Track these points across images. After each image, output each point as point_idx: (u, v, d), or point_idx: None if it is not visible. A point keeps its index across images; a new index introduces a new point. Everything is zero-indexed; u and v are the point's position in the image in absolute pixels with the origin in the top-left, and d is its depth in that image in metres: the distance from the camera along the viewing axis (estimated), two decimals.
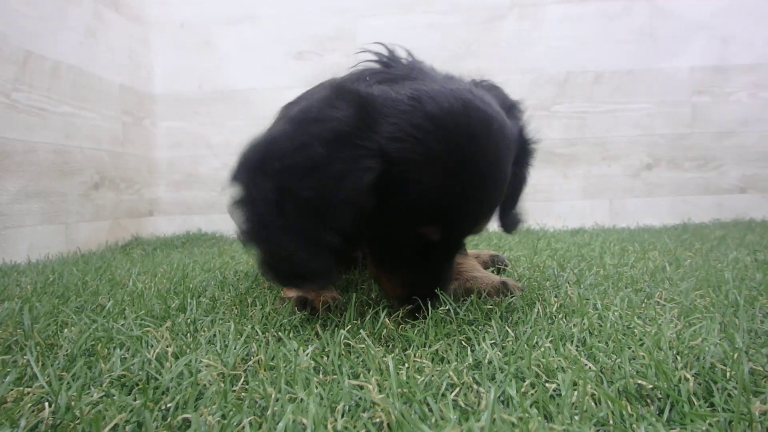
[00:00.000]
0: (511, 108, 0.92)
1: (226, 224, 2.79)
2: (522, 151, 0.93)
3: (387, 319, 0.74)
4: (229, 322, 0.84)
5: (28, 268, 1.66)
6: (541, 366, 0.53)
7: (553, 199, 2.74)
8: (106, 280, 1.37)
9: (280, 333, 0.73)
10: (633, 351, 0.58)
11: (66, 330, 0.82)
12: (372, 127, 0.72)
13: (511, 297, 0.90)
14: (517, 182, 0.98)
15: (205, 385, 0.51)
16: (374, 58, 0.94)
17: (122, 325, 0.81)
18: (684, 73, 2.69)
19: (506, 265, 1.28)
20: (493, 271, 1.25)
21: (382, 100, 0.74)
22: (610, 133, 2.74)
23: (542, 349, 0.59)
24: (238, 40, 2.82)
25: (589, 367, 0.54)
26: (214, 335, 0.75)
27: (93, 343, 0.70)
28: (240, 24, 2.81)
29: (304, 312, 0.83)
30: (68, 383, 0.54)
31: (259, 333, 0.73)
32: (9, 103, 1.86)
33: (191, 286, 1.20)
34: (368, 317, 0.78)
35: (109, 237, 2.36)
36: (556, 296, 0.92)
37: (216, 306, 0.97)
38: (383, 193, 0.72)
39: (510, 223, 1.04)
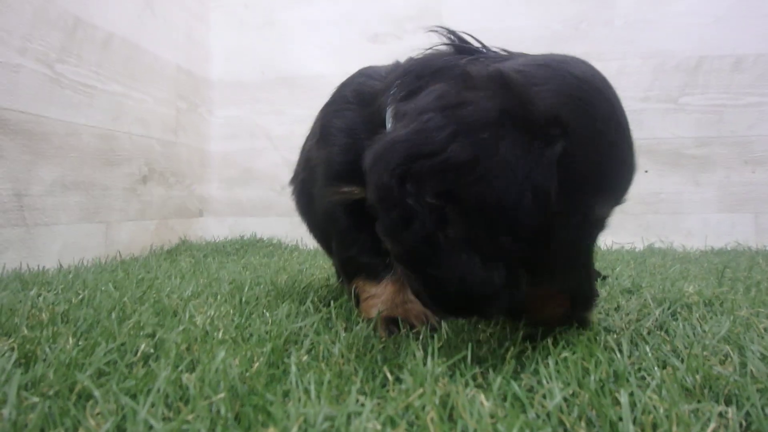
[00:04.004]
0: None
1: (283, 228, 2.42)
2: None
3: None
4: None
5: (57, 276, 1.30)
6: None
7: (682, 211, 2.25)
8: (151, 303, 0.98)
9: None
10: None
11: None
12: (530, 100, 0.61)
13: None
14: None
15: None
16: (446, 41, 0.83)
17: None
18: None
19: None
20: None
21: (514, 73, 0.64)
22: (754, 132, 2.23)
23: None
24: (305, 20, 2.45)
25: None
26: None
27: None
28: (309, 2, 2.44)
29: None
30: None
31: None
32: (52, 76, 1.53)
33: (276, 327, 0.79)
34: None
35: (154, 239, 2.01)
36: None
37: (341, 382, 0.56)
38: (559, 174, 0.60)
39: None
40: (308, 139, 1.05)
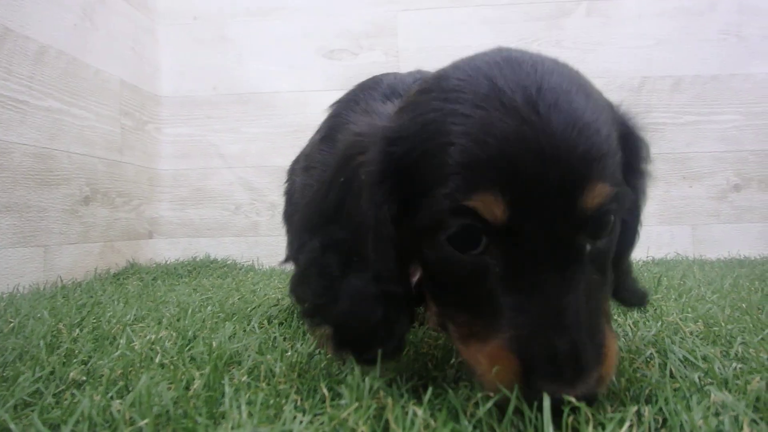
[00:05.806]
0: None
1: (238, 248, 2.38)
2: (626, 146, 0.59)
3: None
4: None
5: None
6: None
7: None
8: (89, 330, 0.94)
9: None
10: None
11: None
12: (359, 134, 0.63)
13: None
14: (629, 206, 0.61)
15: None
16: None
17: None
18: None
19: None
20: None
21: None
22: (692, 149, 2.35)
23: None
24: (260, 36, 2.43)
25: None
26: None
27: None
28: (263, 17, 2.43)
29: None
30: None
31: None
32: None
33: (217, 349, 0.77)
34: None
35: (99, 263, 1.93)
36: None
37: (279, 401, 0.55)
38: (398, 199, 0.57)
39: (628, 290, 0.68)
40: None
